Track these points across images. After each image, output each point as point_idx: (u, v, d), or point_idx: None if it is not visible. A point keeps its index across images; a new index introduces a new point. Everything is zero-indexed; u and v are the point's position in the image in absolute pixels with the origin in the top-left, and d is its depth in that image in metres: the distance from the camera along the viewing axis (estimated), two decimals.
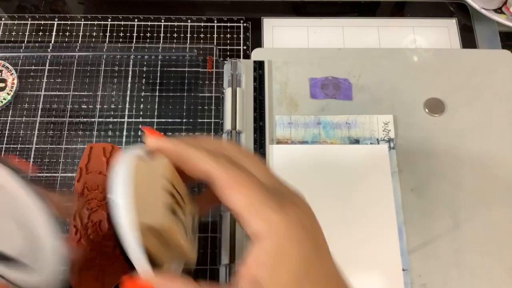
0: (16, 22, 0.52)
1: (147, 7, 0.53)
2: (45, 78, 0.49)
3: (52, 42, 0.51)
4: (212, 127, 0.47)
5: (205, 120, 0.47)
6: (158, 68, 0.49)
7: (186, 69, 0.49)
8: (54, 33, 0.52)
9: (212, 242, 0.42)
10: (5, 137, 0.46)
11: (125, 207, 0.21)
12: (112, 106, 0.47)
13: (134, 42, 0.51)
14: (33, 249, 0.26)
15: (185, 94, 0.48)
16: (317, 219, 0.29)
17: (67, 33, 0.52)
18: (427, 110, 0.47)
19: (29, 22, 0.52)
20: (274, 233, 0.25)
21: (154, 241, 0.22)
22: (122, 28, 0.52)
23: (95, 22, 0.52)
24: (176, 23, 0.52)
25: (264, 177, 0.28)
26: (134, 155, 0.24)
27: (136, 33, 0.52)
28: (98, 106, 0.47)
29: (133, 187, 0.21)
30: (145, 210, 0.21)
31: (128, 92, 0.48)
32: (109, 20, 0.52)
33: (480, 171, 0.44)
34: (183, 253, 0.25)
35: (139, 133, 0.46)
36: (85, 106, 0.47)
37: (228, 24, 0.52)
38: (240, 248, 0.40)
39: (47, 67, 0.49)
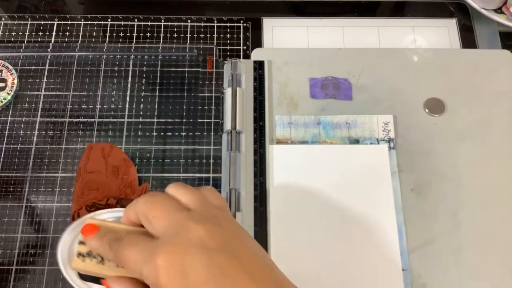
0: (16, 22, 0.52)
1: (147, 7, 0.53)
2: (45, 78, 0.49)
3: (52, 42, 0.51)
4: (212, 127, 0.47)
5: (205, 120, 0.47)
6: (158, 68, 0.49)
7: (186, 69, 0.49)
8: (54, 33, 0.52)
9: None
10: (5, 137, 0.46)
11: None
12: (112, 106, 0.47)
13: (134, 42, 0.51)
14: None
15: (185, 94, 0.48)
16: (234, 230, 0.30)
17: (67, 33, 0.52)
18: (427, 110, 0.47)
19: (29, 22, 0.52)
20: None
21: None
22: (122, 28, 0.52)
23: (95, 22, 0.52)
24: (176, 23, 0.52)
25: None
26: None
27: (136, 33, 0.52)
28: (98, 106, 0.47)
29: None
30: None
31: (128, 92, 0.48)
32: (109, 20, 0.52)
33: (480, 171, 0.44)
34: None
35: (139, 133, 0.46)
36: (85, 106, 0.47)
37: (228, 24, 0.52)
38: None
39: (47, 67, 0.49)
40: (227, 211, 0.33)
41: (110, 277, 0.31)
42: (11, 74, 0.48)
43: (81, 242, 0.34)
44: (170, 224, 0.29)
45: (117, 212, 0.37)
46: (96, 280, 0.34)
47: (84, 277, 0.35)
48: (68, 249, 0.35)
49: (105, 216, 0.37)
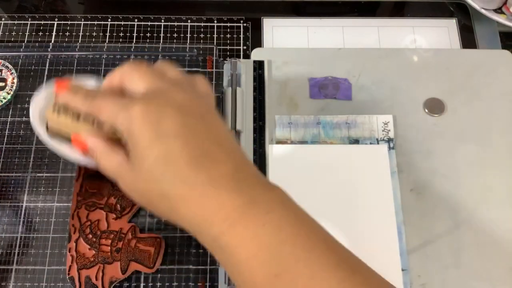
0: (16, 22, 0.52)
1: (147, 7, 0.53)
2: (45, 78, 0.49)
3: (52, 42, 0.51)
4: None
5: None
6: None
7: (186, 69, 0.49)
8: (54, 33, 0.52)
9: None
10: (5, 137, 0.46)
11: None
12: None
13: (134, 42, 0.51)
14: None
15: None
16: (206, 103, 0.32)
17: (67, 33, 0.52)
18: (427, 110, 0.47)
19: (29, 22, 0.52)
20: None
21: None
22: (122, 28, 0.52)
23: (95, 22, 0.52)
24: (176, 23, 0.52)
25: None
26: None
27: (136, 33, 0.52)
28: None
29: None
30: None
31: None
32: (109, 20, 0.52)
33: (479, 171, 0.44)
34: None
35: None
36: None
37: (228, 24, 0.52)
38: None
39: (47, 67, 0.49)
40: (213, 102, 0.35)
41: (84, 132, 0.33)
42: (11, 73, 0.48)
43: (57, 101, 0.35)
44: (152, 87, 0.31)
45: (95, 82, 0.38)
46: (65, 141, 0.36)
47: (54, 136, 0.36)
48: (42, 108, 0.37)
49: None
